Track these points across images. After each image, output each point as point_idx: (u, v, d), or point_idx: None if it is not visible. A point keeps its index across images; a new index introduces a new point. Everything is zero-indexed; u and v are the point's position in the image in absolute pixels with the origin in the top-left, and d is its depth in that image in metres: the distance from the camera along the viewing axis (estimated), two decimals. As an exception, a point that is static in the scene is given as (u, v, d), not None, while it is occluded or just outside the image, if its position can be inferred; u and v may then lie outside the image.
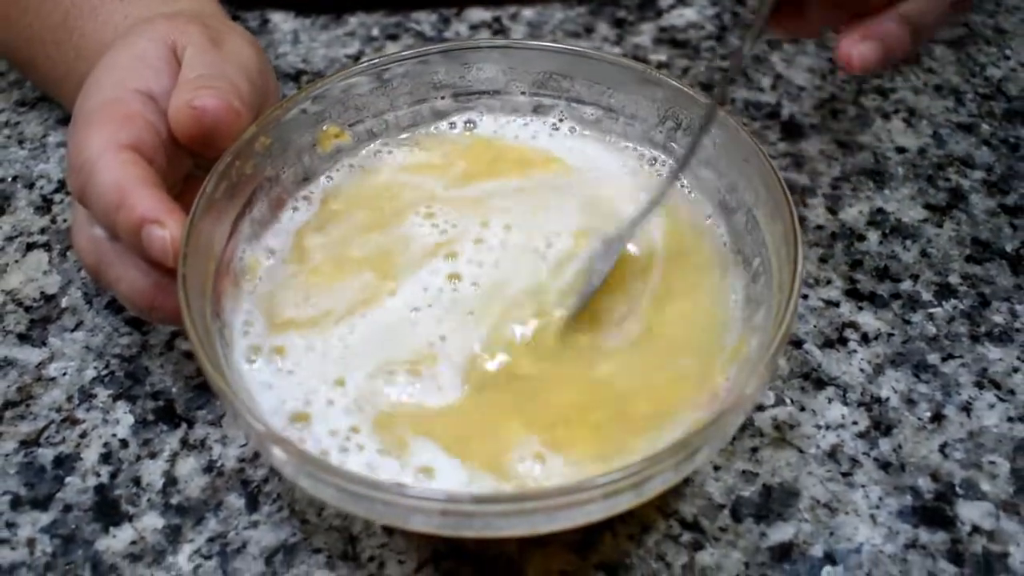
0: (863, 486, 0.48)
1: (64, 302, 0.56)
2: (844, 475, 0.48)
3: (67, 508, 0.48)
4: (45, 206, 0.60)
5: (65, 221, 0.59)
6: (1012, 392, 0.51)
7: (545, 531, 0.40)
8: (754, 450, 0.49)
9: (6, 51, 0.62)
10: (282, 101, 0.49)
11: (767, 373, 0.40)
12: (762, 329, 0.44)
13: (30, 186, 0.62)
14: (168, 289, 0.43)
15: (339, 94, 0.51)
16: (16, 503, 0.48)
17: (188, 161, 0.48)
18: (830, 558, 0.45)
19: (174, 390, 0.52)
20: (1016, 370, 0.52)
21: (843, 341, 0.53)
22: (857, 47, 0.48)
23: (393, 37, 0.71)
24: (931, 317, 0.54)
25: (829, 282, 0.56)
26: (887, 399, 0.51)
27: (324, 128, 0.51)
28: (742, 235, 0.48)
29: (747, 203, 0.48)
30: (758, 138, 0.62)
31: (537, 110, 0.54)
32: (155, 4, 0.54)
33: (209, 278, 0.45)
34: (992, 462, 0.49)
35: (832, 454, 0.49)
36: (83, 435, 0.50)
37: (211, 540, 0.46)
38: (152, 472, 0.49)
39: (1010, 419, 0.50)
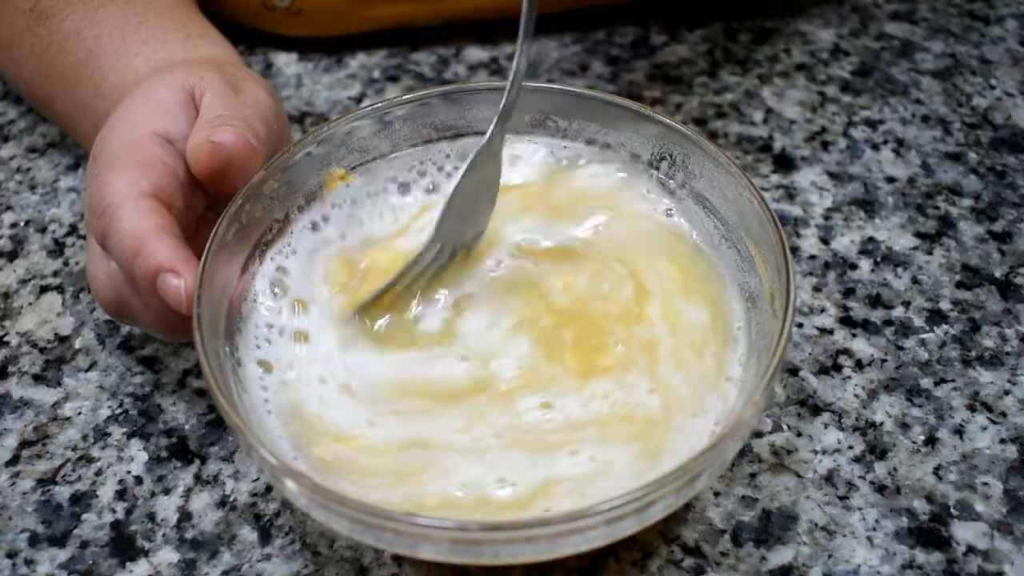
0: (860, 509, 0.49)
1: (78, 343, 0.57)
2: (841, 499, 0.49)
3: (84, 544, 0.49)
4: (57, 249, 0.62)
5: (78, 264, 0.61)
6: (1004, 414, 0.52)
7: (550, 557, 0.41)
8: (753, 476, 0.50)
9: (27, 86, 0.64)
10: (288, 146, 0.51)
11: (763, 400, 0.41)
12: (759, 358, 0.45)
13: (42, 230, 0.63)
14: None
15: (343, 137, 0.53)
16: (34, 540, 0.49)
17: (203, 202, 0.50)
18: (829, 580, 0.47)
19: (187, 427, 0.53)
20: (1007, 393, 0.53)
21: (837, 368, 0.55)
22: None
23: (393, 79, 0.72)
24: (923, 343, 0.56)
25: (823, 310, 0.57)
26: (881, 423, 0.52)
27: (331, 170, 0.53)
28: (737, 268, 0.50)
29: (740, 236, 0.49)
30: (750, 171, 0.64)
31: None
32: (177, 49, 0.56)
33: (222, 317, 0.46)
34: (985, 483, 0.50)
35: (829, 478, 0.50)
36: (98, 473, 0.51)
37: (225, 573, 0.47)
38: (167, 508, 0.50)
39: (1002, 441, 0.51)
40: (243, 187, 0.48)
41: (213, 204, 0.50)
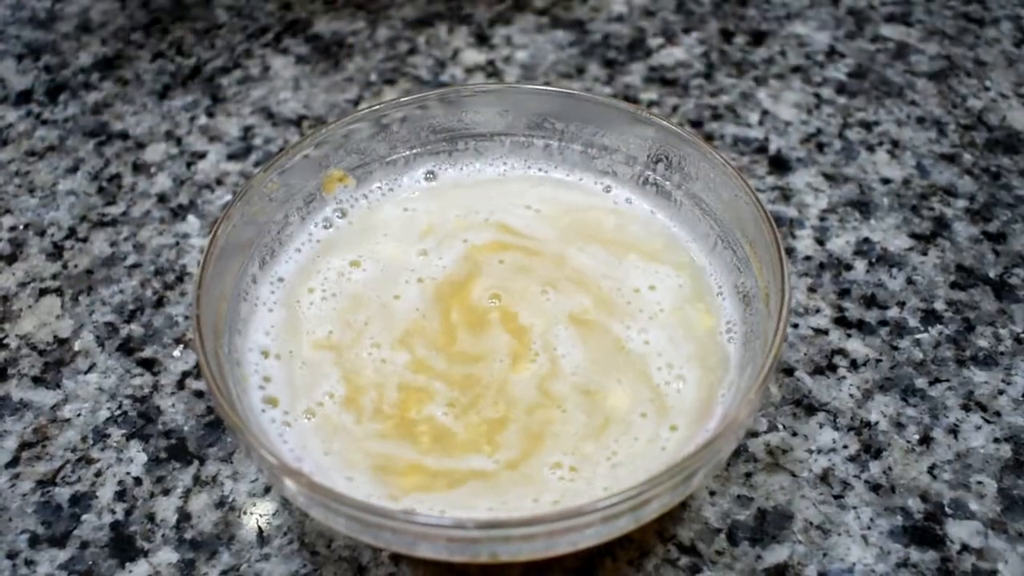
0: (855, 508, 0.49)
1: (77, 345, 0.57)
2: (836, 497, 0.50)
3: (84, 545, 0.49)
4: (56, 252, 0.62)
5: (77, 267, 0.61)
6: (998, 414, 0.53)
7: (548, 555, 0.41)
8: (748, 475, 0.51)
9: None
10: (287, 147, 0.51)
11: (758, 399, 0.41)
12: (755, 358, 0.46)
13: (41, 233, 0.63)
14: None
15: (340, 139, 0.53)
16: (34, 541, 0.49)
17: None
18: (824, 578, 0.47)
19: (186, 428, 0.53)
20: (1001, 392, 0.54)
21: (832, 368, 0.55)
22: None
23: (390, 82, 0.73)
24: (918, 343, 0.56)
25: (818, 311, 0.58)
26: (876, 423, 0.52)
27: (328, 172, 0.53)
28: (734, 270, 0.50)
29: (736, 237, 0.49)
30: (746, 173, 0.65)
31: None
32: None
33: (223, 318, 0.47)
34: (980, 482, 0.50)
35: (824, 477, 0.50)
36: (98, 474, 0.52)
37: (224, 573, 0.48)
38: (166, 508, 0.50)
39: (996, 440, 0.52)
40: (242, 188, 0.48)
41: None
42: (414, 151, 0.55)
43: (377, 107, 0.53)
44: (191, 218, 0.64)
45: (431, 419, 0.46)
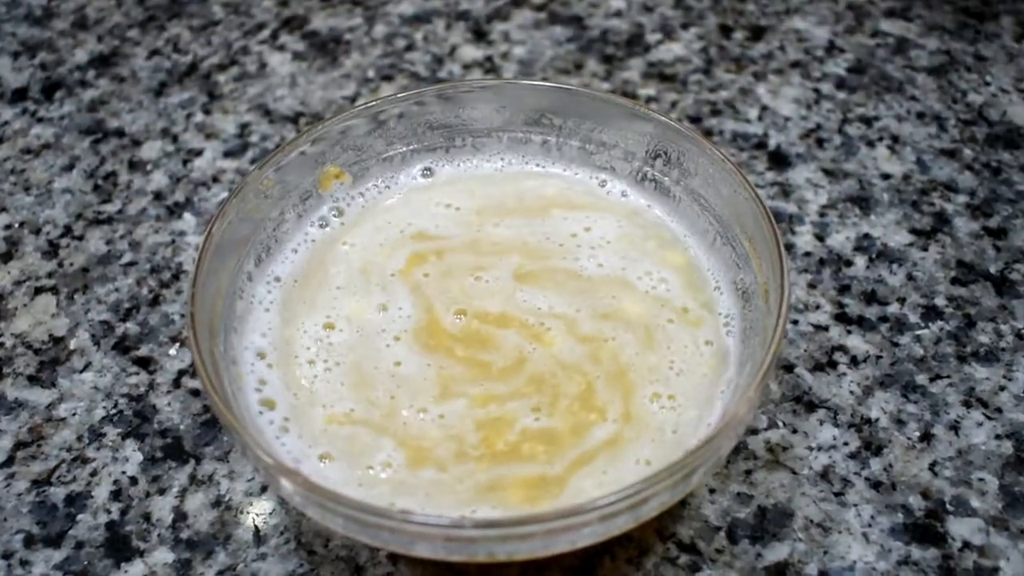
0: (855, 505, 0.49)
1: (72, 344, 0.57)
2: (836, 495, 0.49)
3: (79, 545, 0.49)
4: (52, 251, 0.62)
5: (72, 265, 0.61)
6: (999, 410, 0.52)
7: (546, 554, 0.41)
8: (748, 472, 0.50)
9: None
10: (284, 143, 0.51)
11: (757, 396, 0.41)
12: (753, 355, 0.45)
13: (37, 231, 0.63)
14: None
15: (337, 136, 0.52)
16: (29, 541, 0.49)
17: None
18: (825, 576, 0.47)
19: (181, 427, 0.53)
20: (1002, 388, 0.53)
21: (833, 364, 0.55)
22: None
23: (388, 78, 0.72)
24: (918, 339, 0.56)
25: (818, 307, 0.57)
26: (877, 420, 0.52)
27: (325, 168, 0.53)
28: (732, 265, 0.50)
29: (735, 233, 0.49)
30: (745, 168, 0.64)
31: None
32: None
33: (218, 315, 0.46)
34: (981, 479, 0.50)
35: (824, 475, 0.50)
36: (93, 473, 0.51)
37: (221, 573, 0.47)
38: (162, 508, 0.50)
39: (998, 436, 0.51)
40: (238, 185, 0.48)
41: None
42: (411, 147, 0.55)
43: (374, 103, 0.53)
44: (187, 216, 0.64)
45: (525, 431, 0.45)
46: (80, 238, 0.63)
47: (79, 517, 0.50)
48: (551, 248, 0.52)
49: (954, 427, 0.52)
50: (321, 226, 0.53)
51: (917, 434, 0.52)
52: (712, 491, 0.49)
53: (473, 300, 0.50)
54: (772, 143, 0.67)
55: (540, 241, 0.52)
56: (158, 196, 0.65)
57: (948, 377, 0.54)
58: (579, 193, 0.54)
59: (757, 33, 0.75)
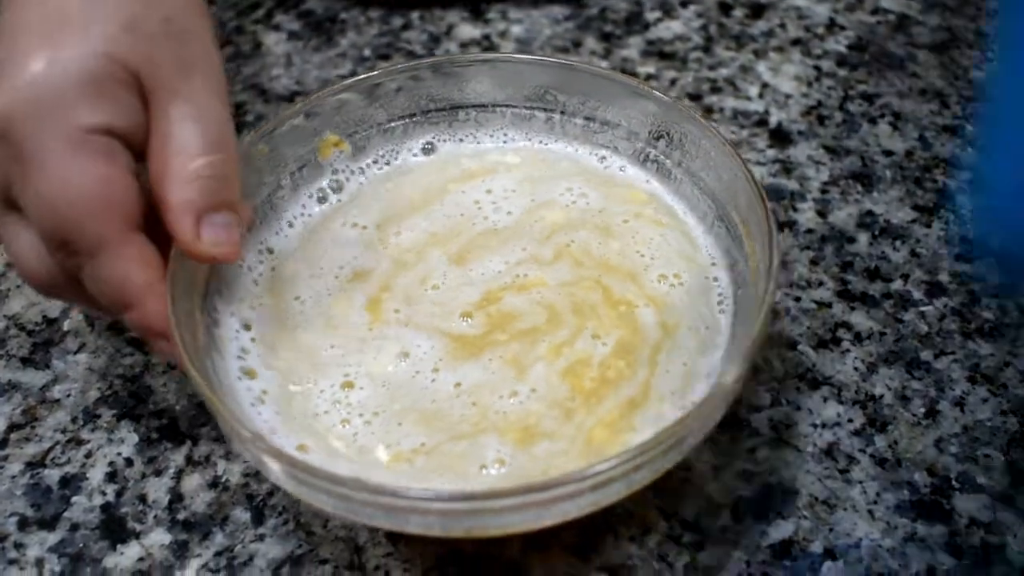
0: (860, 482, 0.48)
1: (66, 325, 0.56)
2: (841, 472, 0.49)
3: (74, 527, 0.48)
4: (45, 232, 0.61)
5: (65, 246, 0.60)
6: (1004, 386, 0.52)
7: (540, 526, 0.40)
8: (752, 450, 0.50)
9: None
10: (280, 114, 0.50)
11: (745, 361, 0.41)
12: (745, 324, 0.45)
13: (30, 212, 0.62)
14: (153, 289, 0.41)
15: (332, 108, 0.52)
16: (24, 524, 0.48)
17: None
18: (830, 554, 0.46)
19: (177, 408, 0.52)
20: (1007, 364, 0.53)
21: (836, 341, 0.54)
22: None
23: (384, 57, 0.72)
24: (922, 315, 0.55)
25: (821, 284, 0.57)
26: (881, 396, 0.52)
27: (324, 136, 0.52)
28: (726, 240, 0.49)
29: (728, 211, 0.49)
30: (746, 146, 0.64)
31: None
32: None
33: (200, 281, 0.46)
34: (987, 455, 0.49)
35: (829, 452, 0.49)
36: (88, 455, 0.51)
37: (218, 554, 0.47)
38: (158, 489, 0.49)
39: (1003, 412, 0.51)
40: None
41: None
42: (414, 119, 0.54)
43: (370, 76, 0.52)
44: (182, 196, 0.63)
45: (605, 367, 0.46)
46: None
47: (74, 499, 0.49)
48: (459, 221, 0.51)
49: (959, 403, 0.51)
50: (320, 200, 0.52)
51: (922, 411, 0.51)
52: (716, 468, 0.49)
53: (453, 301, 0.48)
54: (773, 120, 0.66)
55: (446, 221, 0.52)
56: (152, 176, 0.64)
57: (953, 353, 0.53)
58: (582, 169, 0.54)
59: (757, 11, 0.74)
